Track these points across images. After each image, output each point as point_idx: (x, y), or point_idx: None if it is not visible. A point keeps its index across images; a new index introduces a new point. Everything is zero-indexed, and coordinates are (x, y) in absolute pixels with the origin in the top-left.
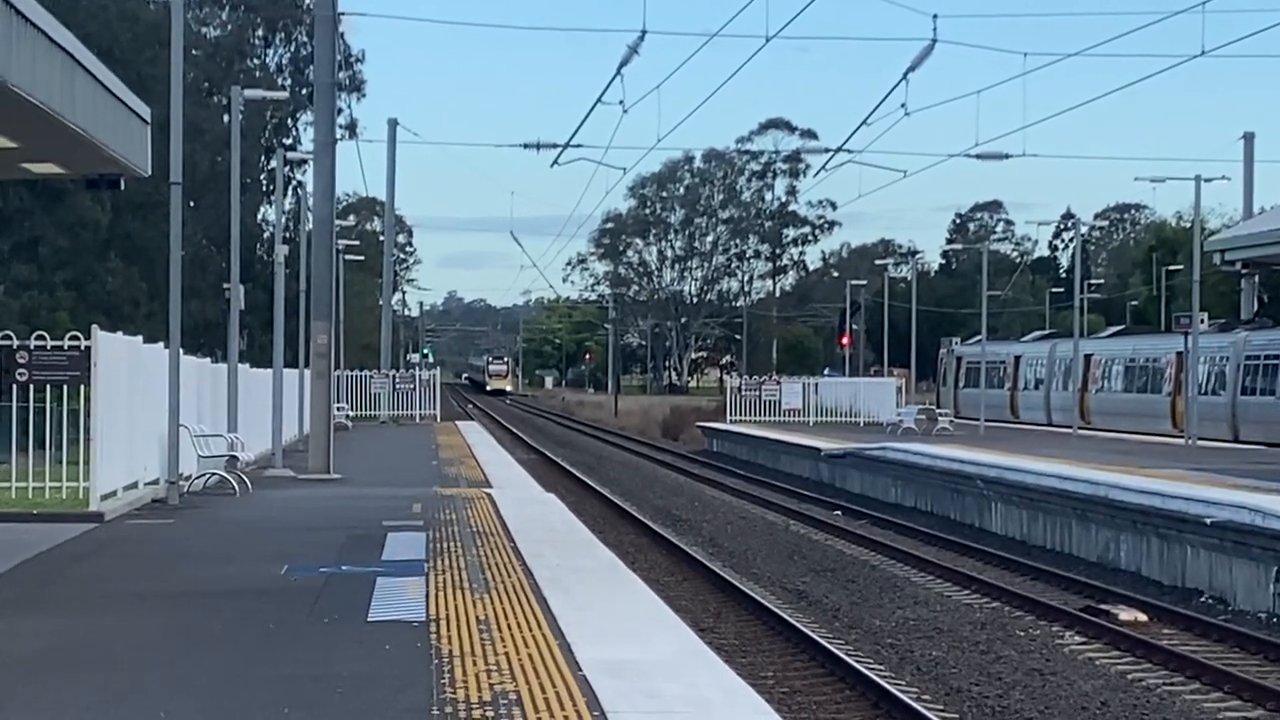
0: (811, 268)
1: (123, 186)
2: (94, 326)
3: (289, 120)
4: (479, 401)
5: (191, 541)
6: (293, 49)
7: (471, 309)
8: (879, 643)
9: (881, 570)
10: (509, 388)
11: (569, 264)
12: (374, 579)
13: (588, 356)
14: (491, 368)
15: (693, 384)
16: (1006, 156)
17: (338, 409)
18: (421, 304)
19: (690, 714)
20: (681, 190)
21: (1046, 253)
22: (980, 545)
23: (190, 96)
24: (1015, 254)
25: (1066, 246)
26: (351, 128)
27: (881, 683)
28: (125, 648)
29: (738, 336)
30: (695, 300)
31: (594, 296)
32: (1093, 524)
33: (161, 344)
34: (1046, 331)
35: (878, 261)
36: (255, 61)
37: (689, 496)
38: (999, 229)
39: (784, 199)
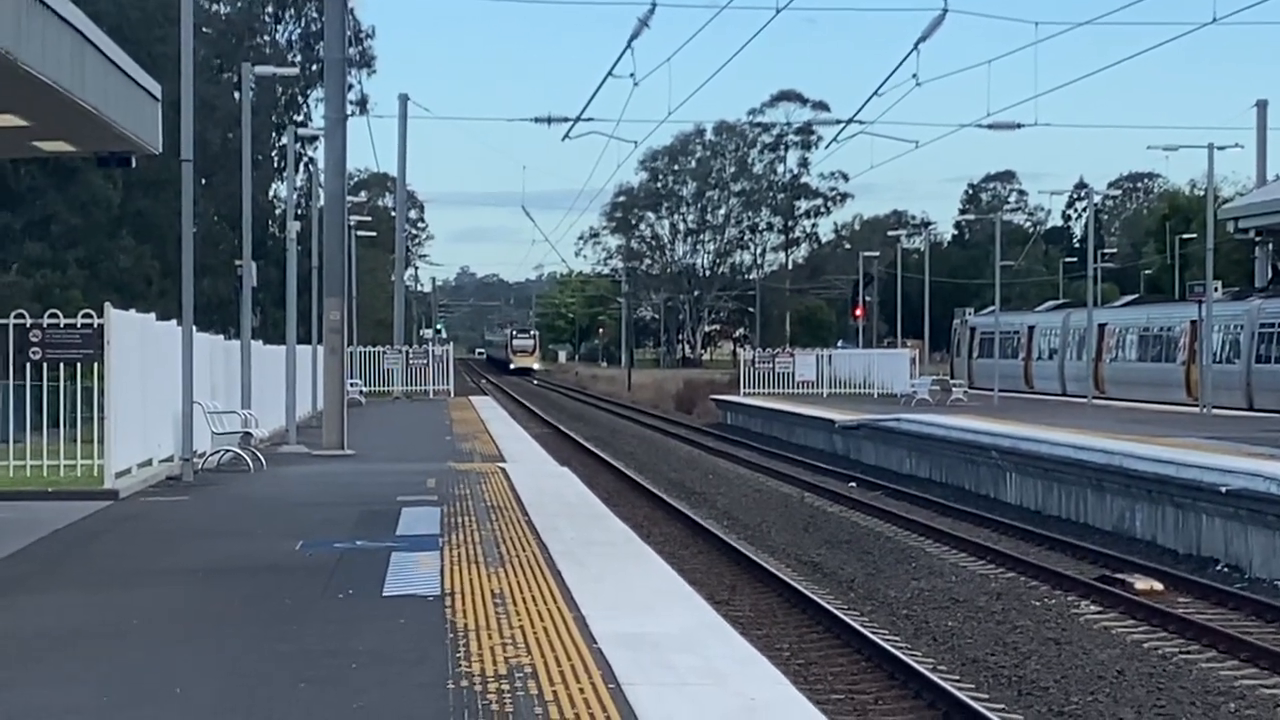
0: (824, 240)
1: (134, 164)
2: (107, 304)
3: (300, 97)
4: (492, 377)
5: (206, 518)
6: (303, 25)
7: (484, 284)
8: (894, 614)
9: (896, 541)
10: (536, 365)
11: (581, 238)
12: (389, 554)
13: (601, 331)
14: (516, 342)
15: (706, 357)
16: (1019, 126)
17: (351, 385)
18: (434, 279)
19: (706, 685)
20: (693, 163)
21: (1060, 222)
22: (995, 516)
23: (201, 74)
24: (1028, 224)
25: (1080, 216)
26: (362, 104)
27: (897, 653)
28: (140, 624)
29: (751, 309)
30: (708, 273)
31: (607, 270)
32: (1108, 493)
33: (174, 321)
34: (1060, 301)
35: (890, 233)
36: (265, 38)
37: (703, 469)
38: (1012, 199)
39: (796, 171)
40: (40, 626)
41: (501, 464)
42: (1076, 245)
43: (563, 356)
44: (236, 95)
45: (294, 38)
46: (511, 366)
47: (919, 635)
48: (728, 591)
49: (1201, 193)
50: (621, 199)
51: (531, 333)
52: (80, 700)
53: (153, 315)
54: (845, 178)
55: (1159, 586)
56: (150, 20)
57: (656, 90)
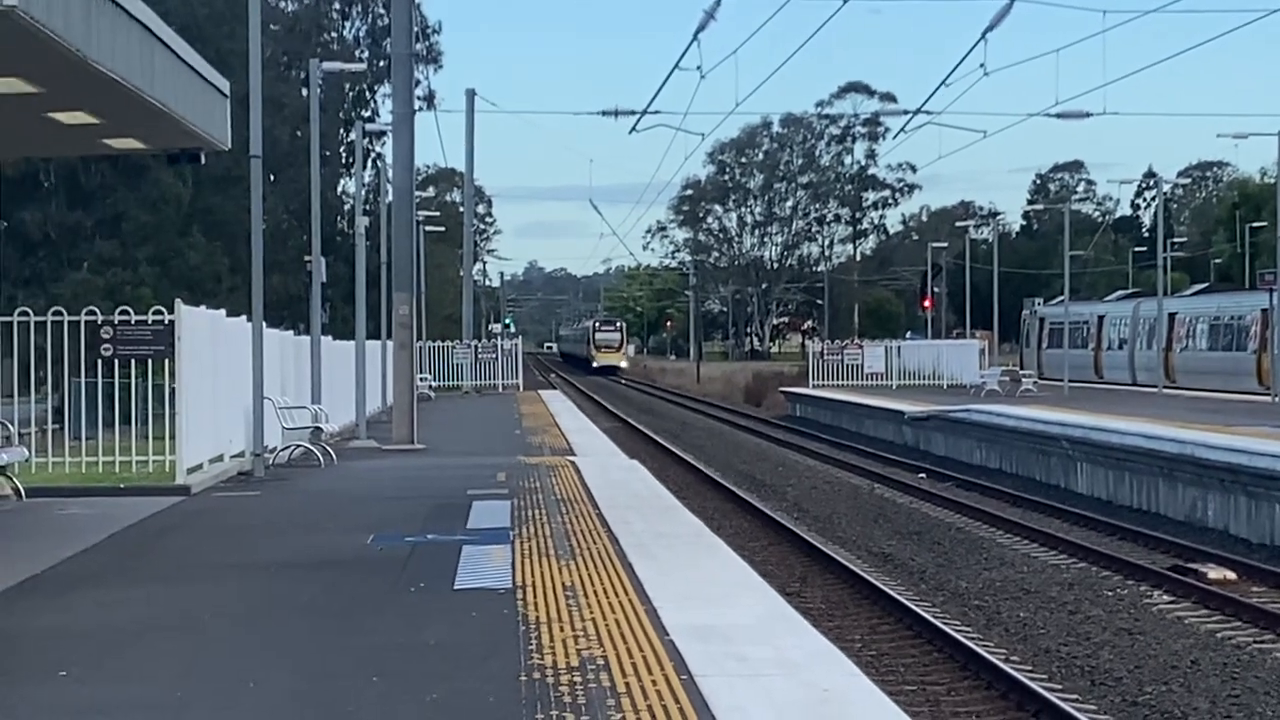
0: (892, 231)
1: (203, 161)
2: (177, 301)
3: (367, 92)
4: (564, 373)
5: (278, 513)
6: (370, 21)
7: (552, 278)
8: (966, 605)
9: (967, 532)
10: (624, 363)
11: (649, 231)
12: (460, 547)
13: (669, 324)
14: (600, 335)
15: (774, 349)
16: (1087, 115)
17: (420, 380)
18: (502, 274)
19: (778, 676)
20: (760, 155)
21: (1128, 212)
22: (1066, 506)
23: (269, 70)
24: (1097, 214)
25: (1149, 205)
26: (429, 99)
27: (969, 644)
28: (213, 618)
29: (819, 301)
30: (776, 266)
31: (674, 263)
32: (1179, 483)
33: (244, 317)
34: (1130, 291)
35: (958, 223)
36: (333, 35)
37: (773, 461)
38: (1080, 189)
39: (863, 163)
40: (114, 621)
41: (571, 457)
42: (1146, 234)
43: (631, 350)
44: (304, 92)
45: (361, 34)
46: (594, 365)
47: (991, 626)
48: (798, 583)
49: (1272, 180)
50: (689, 192)
51: (617, 324)
52: (155, 695)
53: (223, 311)
54: (913, 169)
55: (1232, 576)
56: (218, 18)
57: (723, 83)
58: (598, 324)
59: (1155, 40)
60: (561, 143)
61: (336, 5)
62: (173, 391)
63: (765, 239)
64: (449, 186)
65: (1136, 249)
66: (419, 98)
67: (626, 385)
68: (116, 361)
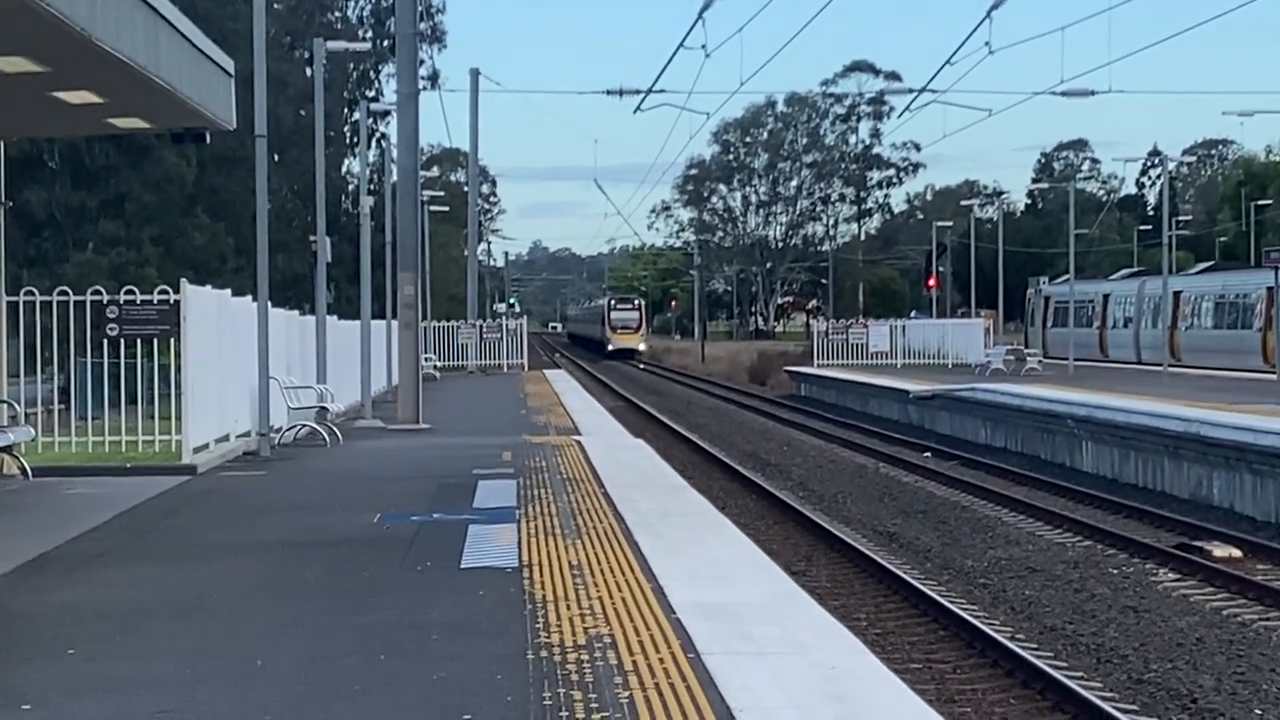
0: (896, 210)
1: (208, 140)
2: (183, 280)
3: (371, 72)
4: (566, 352)
5: (283, 492)
6: (373, 1)
7: (556, 258)
8: (971, 583)
9: (972, 511)
10: (642, 346)
11: (653, 211)
12: (466, 527)
13: (673, 304)
14: (615, 315)
15: (779, 329)
16: (1092, 93)
17: (425, 359)
18: (506, 254)
19: (785, 655)
20: (765, 135)
21: (1133, 190)
22: (1071, 484)
23: (273, 50)
24: (1102, 192)
25: (1154, 184)
26: (433, 78)
27: (975, 622)
28: (221, 597)
29: (824, 281)
30: (780, 245)
31: (679, 243)
32: (1185, 461)
33: (249, 297)
34: (1135, 269)
35: (963, 202)
36: (336, 14)
37: (778, 441)
38: (1085, 167)
39: (868, 142)
40: (122, 600)
41: (576, 437)
42: (1151, 213)
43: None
44: (308, 71)
45: (365, 13)
46: (610, 348)
47: (996, 604)
48: (805, 562)
49: (1277, 158)
50: (693, 171)
51: (635, 302)
52: (163, 673)
53: (228, 291)
54: (917, 148)
55: (1237, 553)
56: None
57: (728, 62)
58: (614, 302)
59: (1160, 18)
60: (566, 122)
61: None
62: (178, 371)
63: (770, 218)
64: (453, 166)
65: (1141, 228)
66: (423, 77)
67: (631, 365)
68: (122, 341)
